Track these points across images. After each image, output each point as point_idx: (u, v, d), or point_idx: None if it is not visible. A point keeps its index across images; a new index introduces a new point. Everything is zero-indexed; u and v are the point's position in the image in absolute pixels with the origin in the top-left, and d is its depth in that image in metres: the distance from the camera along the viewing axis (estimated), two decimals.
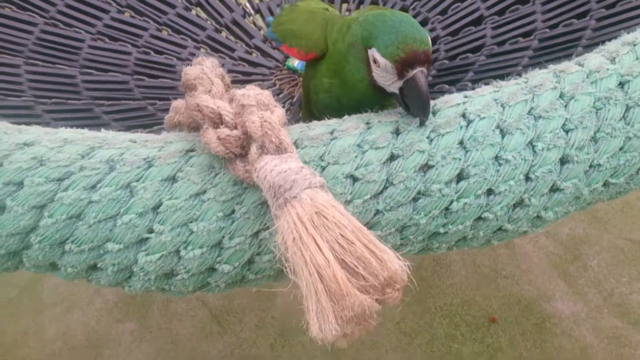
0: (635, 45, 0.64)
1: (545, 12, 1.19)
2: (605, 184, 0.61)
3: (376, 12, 0.67)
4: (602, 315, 1.38)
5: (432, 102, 0.61)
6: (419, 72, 0.60)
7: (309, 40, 0.77)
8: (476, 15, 1.30)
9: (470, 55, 1.21)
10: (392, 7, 1.45)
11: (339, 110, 0.69)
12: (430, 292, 1.46)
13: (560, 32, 1.13)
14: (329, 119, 0.63)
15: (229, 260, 0.59)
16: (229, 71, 1.38)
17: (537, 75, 0.63)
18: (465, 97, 0.62)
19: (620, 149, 0.60)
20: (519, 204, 0.59)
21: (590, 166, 0.60)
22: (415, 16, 1.39)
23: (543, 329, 1.37)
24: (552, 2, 1.20)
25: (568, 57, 1.05)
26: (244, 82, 1.38)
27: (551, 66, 0.65)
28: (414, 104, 0.61)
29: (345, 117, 0.63)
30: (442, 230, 0.59)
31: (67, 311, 1.51)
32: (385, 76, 0.62)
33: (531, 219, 0.61)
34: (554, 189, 0.60)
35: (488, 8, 1.30)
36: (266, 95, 0.58)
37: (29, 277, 1.58)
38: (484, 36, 1.23)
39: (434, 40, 1.31)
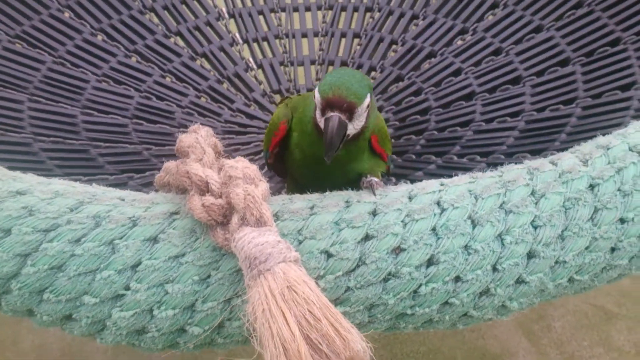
0: (608, 149, 0.68)
1: (535, 94, 1.24)
2: (570, 280, 0.64)
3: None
4: None
5: (407, 185, 0.65)
6: (335, 116, 0.65)
7: (279, 113, 0.83)
8: (468, 90, 1.35)
9: (458, 128, 1.25)
10: (388, 75, 1.50)
11: (303, 161, 0.76)
12: (398, 338, 1.48)
13: (546, 116, 1.17)
14: (310, 190, 0.66)
15: (199, 323, 0.60)
16: (227, 122, 1.43)
17: (512, 170, 0.66)
18: (442, 185, 0.65)
19: (586, 248, 0.63)
20: (485, 292, 0.62)
21: (556, 262, 0.62)
22: (409, 86, 1.44)
23: None
24: (541, 85, 1.26)
25: (552, 141, 1.11)
26: (240, 134, 1.41)
27: (526, 162, 0.68)
28: (324, 141, 0.66)
29: (327, 193, 0.66)
30: (409, 311, 0.61)
31: None
32: (317, 114, 0.68)
33: (496, 307, 0.63)
34: (520, 281, 0.62)
35: (480, 85, 1.35)
36: (253, 169, 0.61)
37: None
38: (473, 112, 1.28)
39: (426, 111, 1.36)
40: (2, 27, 1.37)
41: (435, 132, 1.29)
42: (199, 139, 0.66)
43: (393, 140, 1.31)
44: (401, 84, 1.48)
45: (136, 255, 0.60)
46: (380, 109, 1.42)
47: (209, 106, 1.45)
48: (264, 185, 0.59)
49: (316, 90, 0.67)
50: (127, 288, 0.60)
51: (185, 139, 0.66)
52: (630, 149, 0.67)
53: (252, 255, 0.53)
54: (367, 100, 0.67)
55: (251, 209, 0.56)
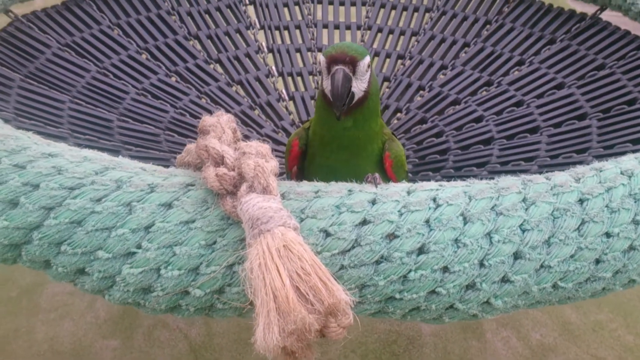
0: (601, 171, 0.72)
1: (550, 143, 1.28)
2: (555, 286, 0.67)
3: None
4: None
5: (407, 183, 0.69)
6: (339, 68, 0.74)
7: (292, 135, 0.92)
8: (487, 136, 1.40)
9: (474, 168, 1.29)
10: (413, 117, 1.56)
11: (320, 161, 0.85)
12: None
13: (559, 162, 1.21)
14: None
15: (202, 285, 0.65)
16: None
17: (507, 180, 0.70)
18: (440, 185, 0.69)
19: (571, 256, 0.66)
20: (471, 286, 0.65)
21: (541, 266, 0.65)
22: (432, 128, 1.50)
23: None
24: (557, 135, 1.30)
25: None
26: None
27: (522, 175, 0.72)
28: (331, 95, 0.75)
29: (333, 182, 0.70)
30: (398, 295, 0.64)
31: (60, 318, 1.59)
32: (324, 78, 0.77)
33: (481, 302, 0.66)
34: (505, 279, 0.65)
35: (499, 132, 1.40)
36: (266, 148, 0.67)
37: (31, 280, 1.68)
38: (490, 155, 1.32)
39: (445, 151, 1.41)
40: (55, 36, 1.48)
41: (452, 170, 1.33)
42: (220, 120, 0.72)
43: (411, 175, 1.36)
44: (424, 126, 1.54)
45: (150, 217, 0.65)
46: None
47: (239, 129, 1.52)
48: (273, 162, 0.65)
49: (321, 57, 0.77)
50: (139, 247, 0.65)
51: (208, 120, 0.72)
52: (621, 173, 0.71)
53: (255, 216, 0.58)
54: (368, 59, 0.75)
55: (259, 178, 0.61)
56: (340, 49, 0.77)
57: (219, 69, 1.70)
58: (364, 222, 0.64)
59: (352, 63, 0.76)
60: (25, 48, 1.40)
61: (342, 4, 1.90)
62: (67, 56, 1.46)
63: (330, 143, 0.84)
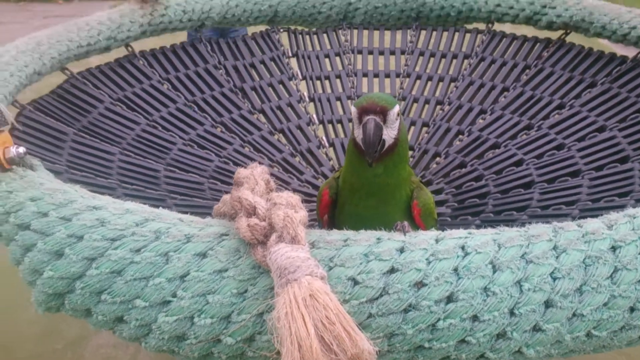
0: (634, 217, 0.71)
1: (592, 186, 1.27)
2: (589, 335, 0.65)
3: None
4: None
5: (437, 231, 0.70)
6: (370, 118, 0.78)
7: (322, 185, 0.96)
8: (527, 180, 1.39)
9: (514, 212, 1.28)
10: (452, 161, 1.56)
11: (350, 190, 0.87)
12: None
13: (601, 206, 1.19)
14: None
15: (233, 334, 0.66)
16: (294, 190, 1.52)
17: (537, 227, 0.70)
18: (469, 233, 0.69)
19: (605, 304, 0.65)
20: (502, 335, 0.64)
21: (574, 314, 0.64)
22: (471, 172, 1.50)
23: None
24: (599, 179, 1.28)
25: None
26: (305, 202, 1.50)
27: (554, 222, 0.72)
28: (363, 144, 0.79)
29: (361, 231, 0.72)
30: (427, 344, 0.64)
31: None
32: (355, 128, 0.82)
33: (513, 352, 0.65)
34: (537, 328, 0.64)
35: (540, 175, 1.39)
36: (296, 199, 0.69)
37: (76, 333, 1.71)
38: (531, 199, 1.31)
39: (485, 195, 1.40)
40: (107, 91, 1.56)
41: (492, 215, 1.32)
42: (254, 172, 0.75)
43: (449, 220, 1.36)
44: (463, 170, 1.54)
45: (186, 266, 0.68)
46: (440, 191, 1.48)
47: (280, 175, 1.56)
48: (303, 212, 0.67)
49: (352, 107, 0.81)
50: (174, 295, 0.67)
51: (242, 172, 0.75)
52: None
53: (283, 265, 0.60)
54: (397, 107, 0.78)
55: (288, 228, 0.63)
56: (371, 100, 0.81)
57: (262, 119, 1.75)
58: (392, 271, 0.65)
59: (383, 112, 0.80)
60: (79, 103, 1.48)
61: (381, 53, 1.94)
62: (119, 110, 1.53)
63: (359, 190, 0.86)
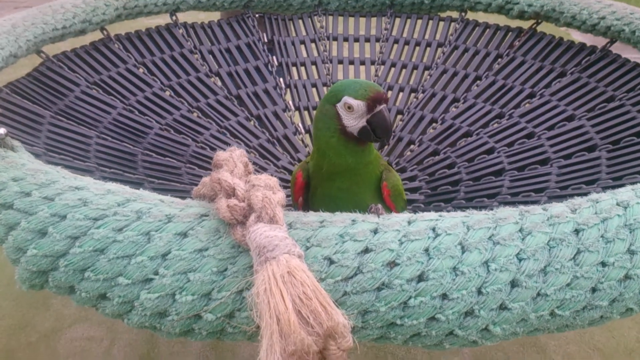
0: (597, 202, 0.74)
1: (560, 174, 1.31)
2: (552, 314, 0.69)
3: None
4: None
5: (409, 214, 0.73)
6: (383, 107, 0.85)
7: (295, 168, 0.99)
8: (498, 167, 1.43)
9: (485, 199, 1.32)
10: (425, 149, 1.60)
11: (324, 191, 0.91)
12: None
13: (569, 193, 1.23)
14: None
15: (213, 310, 0.69)
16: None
17: (504, 211, 0.73)
18: (440, 216, 0.73)
19: (568, 285, 0.68)
20: (470, 313, 0.68)
21: (538, 294, 0.68)
22: (444, 159, 1.54)
23: None
24: (567, 167, 1.33)
25: None
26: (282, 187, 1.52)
27: (520, 206, 0.75)
28: (381, 130, 0.86)
29: (337, 213, 0.74)
30: (399, 321, 0.68)
31: None
32: (354, 117, 0.85)
33: (480, 329, 0.68)
34: (503, 307, 0.68)
35: (510, 163, 1.43)
36: (274, 181, 0.71)
37: (49, 326, 1.70)
38: (501, 186, 1.35)
39: (457, 182, 1.44)
40: (83, 74, 1.56)
41: (463, 202, 1.36)
42: (232, 155, 0.77)
43: (422, 206, 1.39)
44: (437, 158, 1.57)
45: (167, 245, 0.70)
46: (413, 178, 1.52)
47: (257, 161, 1.58)
48: (280, 194, 0.69)
49: (348, 99, 0.85)
50: (156, 273, 0.69)
51: (221, 154, 0.77)
52: (617, 204, 0.74)
53: (262, 244, 0.62)
54: None
55: (266, 208, 0.66)
56: (375, 89, 0.86)
57: (238, 105, 1.76)
58: (366, 251, 0.68)
59: (387, 99, 0.87)
60: (56, 86, 1.48)
61: (356, 40, 1.96)
62: (95, 94, 1.53)
63: (335, 173, 0.89)
